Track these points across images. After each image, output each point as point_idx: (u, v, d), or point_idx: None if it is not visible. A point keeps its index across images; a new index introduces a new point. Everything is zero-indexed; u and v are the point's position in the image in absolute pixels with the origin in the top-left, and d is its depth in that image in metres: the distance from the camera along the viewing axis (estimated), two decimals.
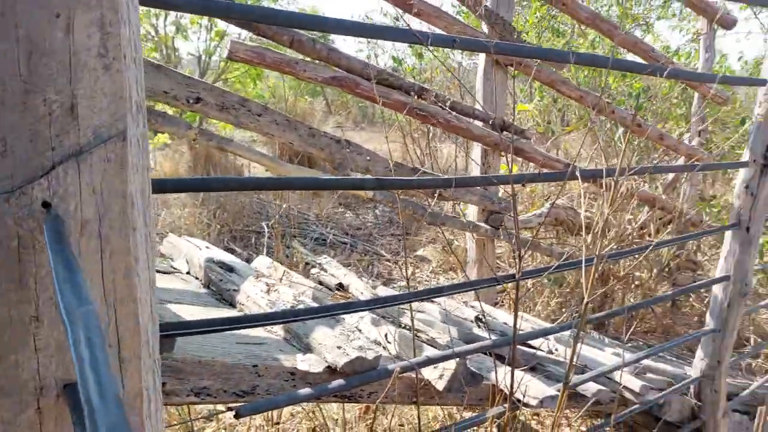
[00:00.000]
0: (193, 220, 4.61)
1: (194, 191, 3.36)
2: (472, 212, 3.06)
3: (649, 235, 4.29)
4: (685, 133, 4.93)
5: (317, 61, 2.27)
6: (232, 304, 1.92)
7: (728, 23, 4.06)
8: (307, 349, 1.40)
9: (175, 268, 2.44)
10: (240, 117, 2.06)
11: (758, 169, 2.06)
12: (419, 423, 1.36)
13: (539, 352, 2.24)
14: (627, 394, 2.14)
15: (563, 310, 3.58)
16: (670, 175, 4.75)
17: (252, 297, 1.78)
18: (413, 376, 1.43)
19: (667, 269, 4.36)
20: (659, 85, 6.58)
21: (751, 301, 3.88)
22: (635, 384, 2.07)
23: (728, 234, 2.21)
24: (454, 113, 2.42)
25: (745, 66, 7.70)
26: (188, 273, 2.37)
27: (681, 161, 4.30)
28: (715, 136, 5.19)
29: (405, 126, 4.91)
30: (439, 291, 1.27)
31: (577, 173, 1.23)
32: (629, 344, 3.59)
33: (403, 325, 1.95)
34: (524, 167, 4.28)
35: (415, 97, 2.40)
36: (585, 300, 1.17)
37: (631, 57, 4.33)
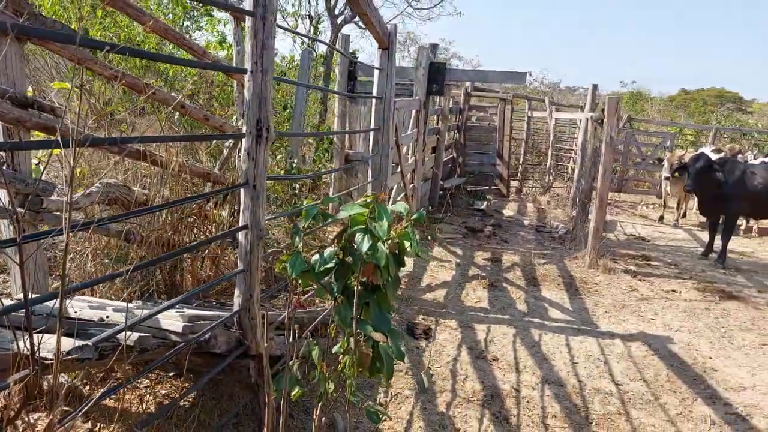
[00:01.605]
0: None
1: None
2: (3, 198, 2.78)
3: (210, 208, 4.81)
4: (235, 115, 5.64)
5: None
6: None
7: None
8: None
9: None
10: None
11: (254, 139, 2.62)
12: None
13: (90, 321, 2.32)
14: (174, 337, 2.46)
15: (130, 286, 3.68)
16: (225, 152, 5.39)
17: None
18: None
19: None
20: (215, 74, 7.24)
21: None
22: (177, 326, 2.40)
23: (243, 191, 2.73)
24: None
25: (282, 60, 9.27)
26: None
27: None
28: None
29: None
30: None
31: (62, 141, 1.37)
32: (196, 304, 3.99)
33: None
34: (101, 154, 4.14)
35: None
36: (63, 267, 1.33)
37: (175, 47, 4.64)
